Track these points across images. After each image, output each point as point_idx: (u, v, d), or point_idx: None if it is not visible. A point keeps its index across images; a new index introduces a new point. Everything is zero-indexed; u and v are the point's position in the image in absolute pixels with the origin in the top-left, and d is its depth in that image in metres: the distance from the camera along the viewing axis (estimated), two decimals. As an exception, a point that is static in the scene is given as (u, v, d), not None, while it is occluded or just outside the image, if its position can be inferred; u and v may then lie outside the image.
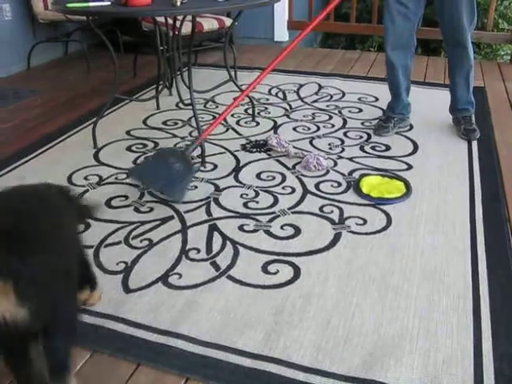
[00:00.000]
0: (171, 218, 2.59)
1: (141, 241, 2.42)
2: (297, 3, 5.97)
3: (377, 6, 5.66)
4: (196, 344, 1.86)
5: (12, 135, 3.60)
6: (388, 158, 3.16)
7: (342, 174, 2.98)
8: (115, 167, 3.08)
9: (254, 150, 3.28)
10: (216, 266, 2.24)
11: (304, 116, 3.82)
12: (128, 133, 3.57)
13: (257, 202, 2.72)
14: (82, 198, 2.64)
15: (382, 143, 3.35)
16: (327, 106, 4.02)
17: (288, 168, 3.06)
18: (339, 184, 2.88)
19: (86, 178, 2.97)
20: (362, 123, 3.68)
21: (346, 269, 2.22)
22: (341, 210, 2.64)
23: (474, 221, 2.54)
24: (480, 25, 5.47)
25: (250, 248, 2.36)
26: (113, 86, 3.41)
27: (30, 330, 1.35)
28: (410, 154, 3.21)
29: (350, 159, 3.15)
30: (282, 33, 6.00)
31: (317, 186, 2.86)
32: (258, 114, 3.86)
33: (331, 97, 4.21)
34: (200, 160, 3.12)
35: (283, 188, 2.85)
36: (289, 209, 2.65)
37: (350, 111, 3.90)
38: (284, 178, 2.94)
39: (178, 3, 2.80)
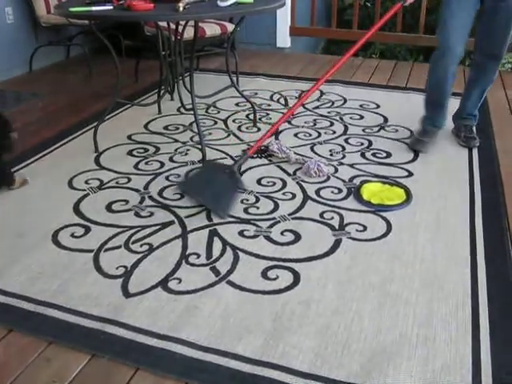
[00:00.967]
0: (171, 222, 2.59)
1: (141, 245, 2.42)
2: (299, 10, 5.99)
3: (379, 14, 5.69)
4: (195, 349, 1.86)
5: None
6: (389, 164, 3.17)
7: (343, 181, 2.98)
8: (116, 171, 3.08)
9: (255, 155, 3.28)
10: (216, 272, 2.25)
11: (305, 122, 3.83)
12: (129, 137, 3.57)
13: (257, 208, 2.72)
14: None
15: (382, 150, 3.35)
16: (328, 112, 4.03)
17: (289, 174, 3.06)
18: (340, 190, 2.88)
19: (86, 182, 2.97)
20: (363, 130, 3.68)
21: (345, 275, 2.22)
22: (341, 216, 2.64)
23: (473, 229, 2.54)
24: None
25: (250, 253, 2.36)
26: (115, 90, 3.42)
27: None
28: (410, 162, 3.21)
29: (351, 166, 3.16)
30: (284, 39, 6.02)
31: (317, 192, 2.87)
32: (260, 119, 3.86)
33: (333, 103, 4.22)
34: (201, 165, 3.13)
35: (284, 194, 2.85)
36: (289, 215, 2.66)
37: (351, 118, 3.91)
38: (285, 184, 2.95)
39: (181, 8, 2.81)
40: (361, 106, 4.16)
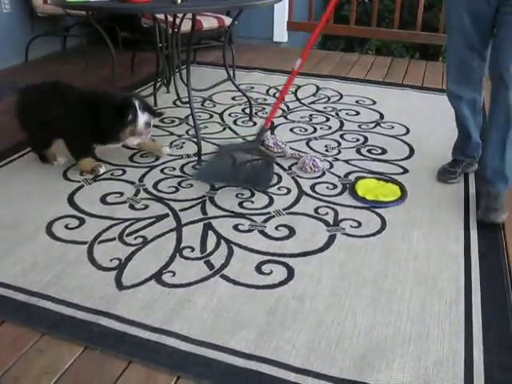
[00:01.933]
0: (166, 215, 2.59)
1: (135, 238, 2.42)
2: (297, 4, 5.98)
3: (376, 9, 5.68)
4: (188, 342, 1.86)
5: (8, 128, 3.59)
6: (384, 161, 3.17)
7: (338, 176, 2.98)
8: (111, 163, 3.07)
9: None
10: (210, 265, 2.24)
11: (301, 117, 3.82)
12: (125, 129, 3.56)
13: (252, 202, 2.72)
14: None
15: (378, 146, 3.35)
16: (324, 107, 4.03)
17: (284, 169, 3.06)
18: (335, 186, 2.89)
19: (81, 174, 2.96)
20: (359, 126, 3.68)
21: (339, 271, 2.23)
22: (336, 212, 2.64)
23: (468, 226, 2.55)
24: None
25: (245, 248, 2.36)
26: (110, 81, 3.41)
27: None
28: (406, 158, 3.21)
29: (346, 161, 3.16)
30: (281, 33, 6.00)
31: (312, 187, 2.87)
32: (256, 114, 3.85)
33: (329, 99, 4.22)
34: (196, 158, 3.12)
35: (279, 189, 2.85)
36: (284, 209, 2.66)
37: (347, 114, 3.91)
38: (280, 179, 2.94)
39: (179, 1, 2.80)
40: (357, 101, 4.16)
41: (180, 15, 3.62)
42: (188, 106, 3.31)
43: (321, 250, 2.36)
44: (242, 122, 3.74)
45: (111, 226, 2.50)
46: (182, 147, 3.31)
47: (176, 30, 3.64)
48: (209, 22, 4.47)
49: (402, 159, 3.20)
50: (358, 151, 3.30)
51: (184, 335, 1.89)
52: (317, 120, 3.78)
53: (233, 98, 4.13)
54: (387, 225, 2.54)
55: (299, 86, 4.45)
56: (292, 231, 2.49)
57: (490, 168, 2.63)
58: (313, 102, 4.12)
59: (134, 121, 2.83)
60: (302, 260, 2.29)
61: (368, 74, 4.92)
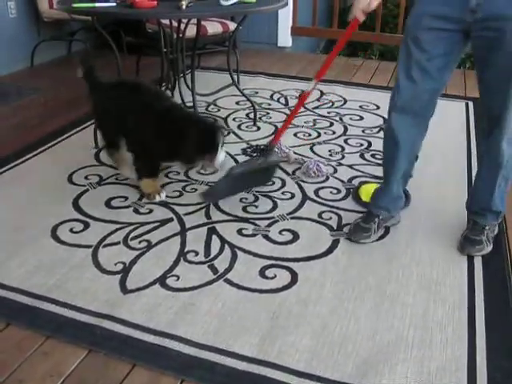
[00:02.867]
0: (170, 220, 2.60)
1: (139, 242, 2.43)
2: (301, 9, 6.00)
3: (380, 15, 5.69)
4: (192, 346, 1.87)
5: (14, 133, 3.61)
6: (388, 166, 3.17)
7: (342, 181, 2.99)
8: (116, 168, 3.08)
9: (255, 154, 3.29)
10: (214, 269, 2.25)
11: (305, 122, 3.83)
12: (129, 134, 3.57)
13: (256, 207, 2.73)
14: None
15: (382, 151, 3.35)
16: (328, 112, 4.03)
17: (288, 173, 3.07)
18: (338, 191, 2.89)
19: (86, 178, 2.97)
20: (363, 131, 3.69)
21: (342, 275, 2.23)
22: (339, 216, 2.65)
23: (471, 231, 2.55)
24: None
25: (249, 252, 2.37)
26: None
27: None
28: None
29: (350, 166, 3.16)
30: (285, 38, 6.01)
31: (316, 192, 2.88)
32: (260, 118, 3.86)
33: (333, 104, 4.22)
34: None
35: (283, 193, 2.86)
36: (288, 214, 2.66)
37: (351, 118, 3.91)
38: (284, 184, 2.95)
39: (184, 6, 2.81)
40: (361, 106, 4.16)
41: (185, 20, 3.64)
42: (192, 110, 3.32)
43: (324, 254, 2.37)
44: (246, 126, 3.75)
45: (116, 230, 2.51)
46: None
47: (181, 35, 3.66)
48: (213, 27, 4.48)
49: (405, 164, 3.19)
50: (362, 156, 3.31)
51: (188, 339, 1.89)
52: (321, 125, 3.79)
53: (237, 103, 4.14)
54: (390, 230, 2.54)
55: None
56: (296, 236, 2.49)
57: (478, 202, 2.43)
58: (317, 107, 4.13)
59: (216, 152, 2.65)
60: (305, 264, 2.30)
61: (372, 79, 4.93)
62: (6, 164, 3.12)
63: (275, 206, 2.73)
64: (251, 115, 3.86)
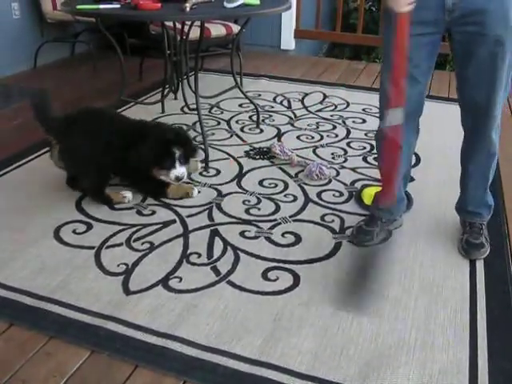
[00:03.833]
0: (173, 221, 2.60)
1: (142, 243, 2.43)
2: (304, 12, 6.01)
3: (383, 18, 5.69)
4: (194, 347, 1.87)
5: (17, 134, 3.62)
6: (390, 169, 3.17)
7: (344, 184, 2.99)
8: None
9: (258, 157, 3.30)
10: (216, 271, 2.26)
11: (308, 125, 3.84)
12: (132, 135, 3.57)
13: (259, 209, 2.73)
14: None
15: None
16: (331, 115, 4.04)
17: (290, 176, 3.07)
18: (341, 194, 2.90)
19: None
20: (366, 134, 3.69)
21: (345, 278, 2.24)
22: (342, 219, 2.65)
23: (473, 235, 2.55)
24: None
25: (251, 254, 2.37)
26: (119, 88, 3.43)
27: None
28: (412, 167, 3.20)
29: (353, 169, 3.17)
30: (288, 41, 6.04)
31: (319, 194, 2.88)
32: (263, 121, 3.87)
33: (336, 107, 4.23)
34: (203, 165, 3.14)
35: (285, 196, 2.86)
36: (290, 217, 2.67)
37: (353, 122, 3.92)
38: (286, 186, 2.96)
39: (188, 8, 2.82)
40: (363, 110, 4.17)
41: (188, 23, 3.64)
42: (196, 112, 3.33)
43: (327, 257, 2.37)
44: (249, 129, 3.75)
45: (118, 232, 2.52)
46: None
47: (184, 37, 3.67)
48: (217, 30, 4.50)
49: (408, 167, 3.20)
50: (365, 159, 3.31)
51: (190, 340, 1.90)
52: (323, 128, 3.80)
53: (240, 105, 4.15)
54: (393, 233, 2.55)
55: (306, 94, 4.47)
56: (298, 238, 2.50)
57: (472, 201, 2.44)
58: (320, 110, 4.14)
59: (169, 168, 2.69)
60: (308, 267, 2.30)
61: (375, 83, 4.93)
62: (9, 165, 3.13)
63: (278, 209, 2.73)
64: (254, 117, 3.87)
